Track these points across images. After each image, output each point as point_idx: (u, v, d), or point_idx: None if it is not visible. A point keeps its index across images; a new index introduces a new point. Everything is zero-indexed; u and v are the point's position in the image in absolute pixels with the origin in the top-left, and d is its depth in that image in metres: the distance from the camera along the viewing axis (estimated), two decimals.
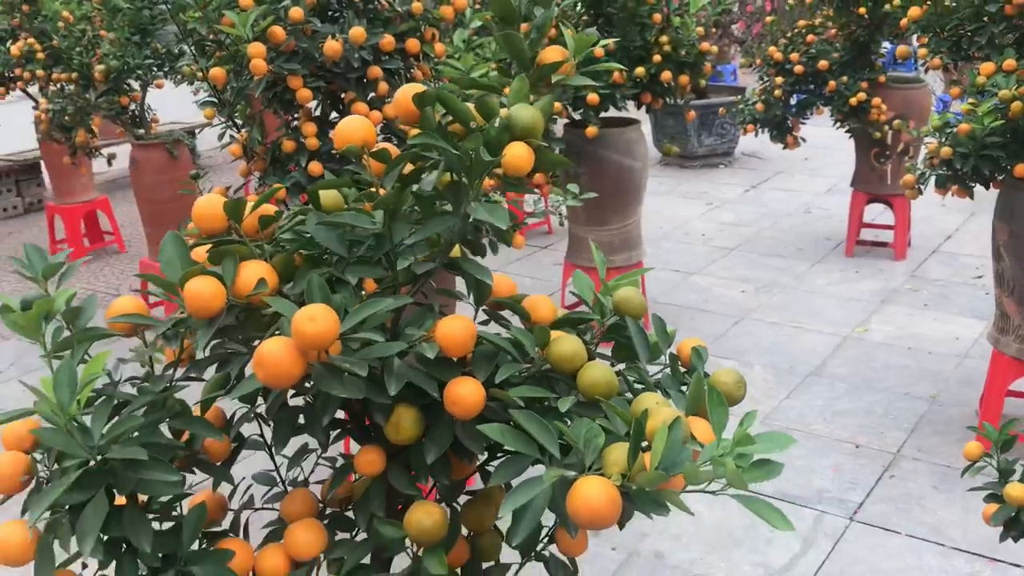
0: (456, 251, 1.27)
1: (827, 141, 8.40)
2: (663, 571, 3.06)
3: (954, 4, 3.50)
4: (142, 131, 4.93)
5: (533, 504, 0.92)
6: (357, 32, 2.61)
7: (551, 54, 1.13)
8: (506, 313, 1.27)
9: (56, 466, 1.05)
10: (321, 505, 1.26)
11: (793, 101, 5.56)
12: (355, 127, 1.09)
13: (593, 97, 4.16)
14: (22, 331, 1.04)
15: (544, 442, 0.96)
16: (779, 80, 5.40)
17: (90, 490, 1.00)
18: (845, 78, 5.30)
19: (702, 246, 6.20)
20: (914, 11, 3.55)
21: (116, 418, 1.00)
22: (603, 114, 4.49)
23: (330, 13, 2.94)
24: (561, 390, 1.09)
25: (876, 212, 6.18)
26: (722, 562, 3.09)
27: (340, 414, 1.25)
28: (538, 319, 1.22)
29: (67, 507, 1.03)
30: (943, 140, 3.26)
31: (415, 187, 1.12)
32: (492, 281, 1.14)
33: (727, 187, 7.55)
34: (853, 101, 5.25)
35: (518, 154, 1.04)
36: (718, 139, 8.01)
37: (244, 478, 1.32)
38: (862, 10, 5.18)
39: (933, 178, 3.41)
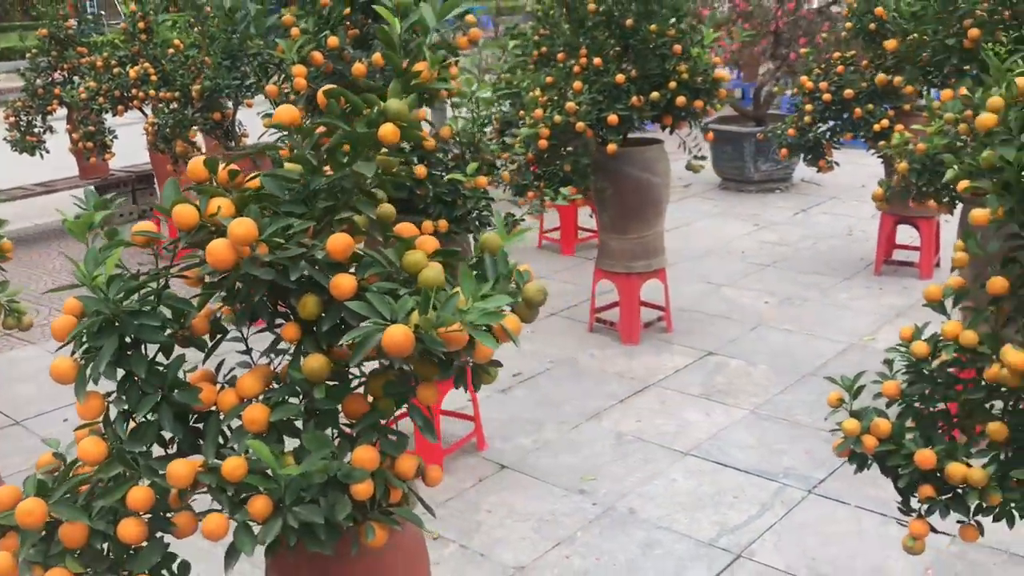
0: (387, 208, 1.84)
1: None
2: (632, 523, 3.53)
3: (926, 37, 3.90)
4: (232, 143, 5.70)
5: (366, 338, 1.47)
6: (376, 57, 3.23)
7: (418, 67, 1.69)
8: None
9: None
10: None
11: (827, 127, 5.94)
12: (284, 112, 1.68)
13: (612, 118, 4.69)
14: (75, 235, 1.65)
15: (381, 310, 1.50)
16: (808, 108, 5.80)
17: (107, 335, 1.60)
18: (871, 106, 5.66)
19: (740, 262, 6.61)
20: (890, 43, 3.96)
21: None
22: (631, 135, 5.04)
23: (368, 42, 3.57)
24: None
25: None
26: (685, 519, 3.54)
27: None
28: (423, 250, 1.77)
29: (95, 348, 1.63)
30: (902, 158, 3.66)
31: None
32: (375, 216, 1.70)
33: (778, 210, 7.92)
34: (877, 127, 5.60)
35: (388, 130, 1.60)
36: (774, 165, 8.37)
37: (224, 359, 1.91)
38: (889, 45, 5.53)
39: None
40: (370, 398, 1.77)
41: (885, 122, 5.60)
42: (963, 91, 3.56)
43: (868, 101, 5.70)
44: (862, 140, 5.86)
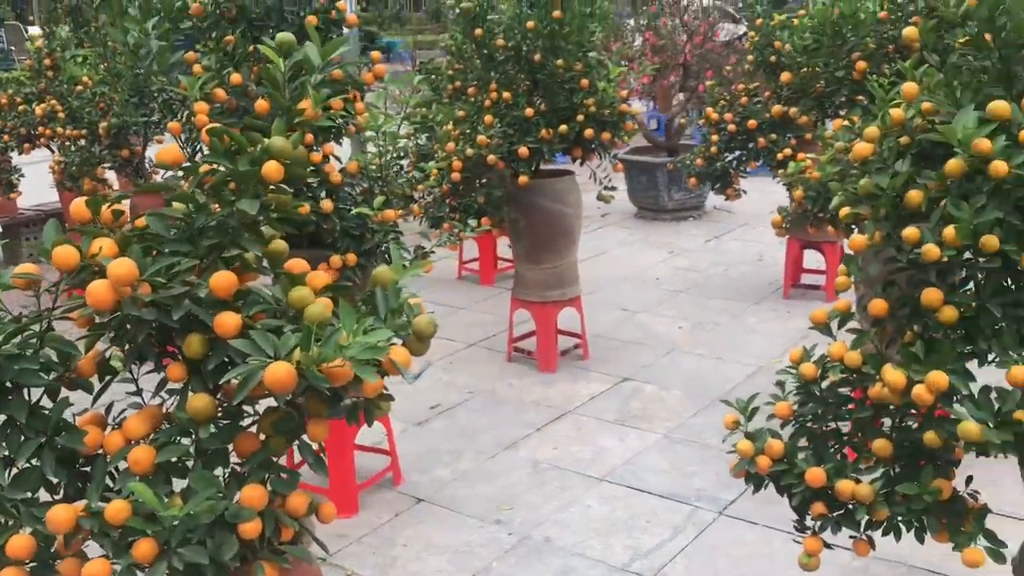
0: (279, 244, 1.85)
1: None
2: (548, 552, 3.55)
3: (819, 70, 4.06)
4: (142, 180, 5.61)
5: (248, 376, 1.47)
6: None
7: (302, 105, 1.71)
8: None
9: None
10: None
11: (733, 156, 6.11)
12: (168, 152, 1.68)
13: (523, 151, 4.76)
14: None
15: (264, 347, 1.51)
16: (715, 138, 5.96)
17: None
18: (774, 136, 5.83)
19: (655, 289, 6.73)
20: (785, 76, 4.12)
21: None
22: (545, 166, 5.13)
23: None
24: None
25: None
26: (600, 545, 3.57)
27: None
28: (313, 287, 1.78)
29: None
30: (798, 185, 3.80)
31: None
32: (261, 252, 1.70)
33: (691, 238, 8.10)
34: (780, 156, 5.78)
35: (271, 167, 1.61)
36: (687, 194, 8.56)
37: (114, 402, 1.88)
38: (784, 77, 5.72)
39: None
40: (262, 436, 1.77)
41: (788, 151, 5.76)
42: (845, 122, 3.72)
43: (771, 131, 5.88)
44: (768, 168, 6.05)
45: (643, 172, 8.58)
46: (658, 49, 8.61)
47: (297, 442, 1.74)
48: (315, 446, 1.74)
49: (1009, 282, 2.10)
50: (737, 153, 6.03)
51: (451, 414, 4.80)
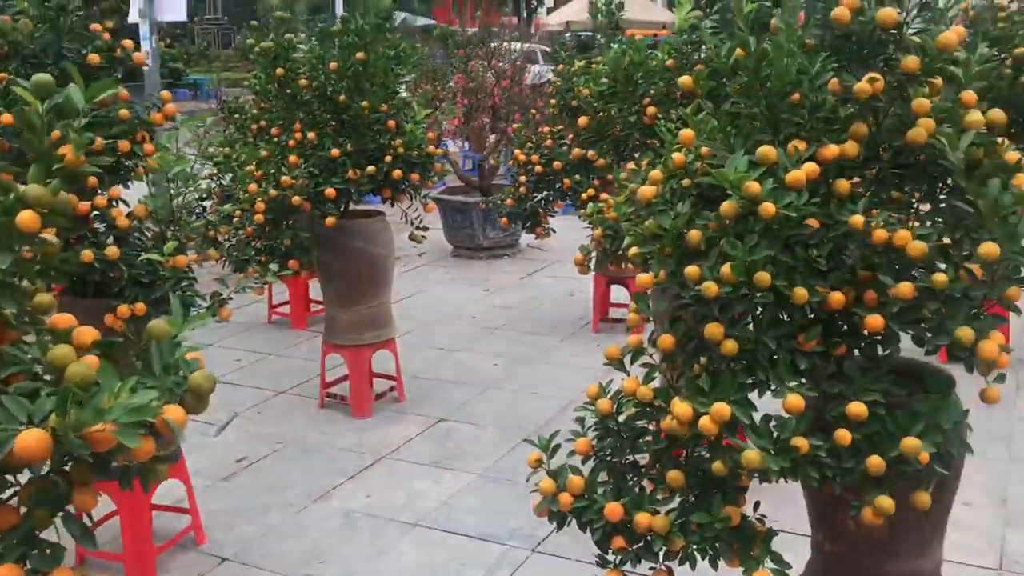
0: (43, 298, 1.71)
1: None
2: None
3: (613, 114, 4.23)
4: None
5: None
6: (56, 133, 3.03)
7: (62, 150, 1.60)
8: None
9: None
10: None
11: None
12: None
13: (330, 191, 4.69)
14: None
15: (16, 413, 1.39)
16: (523, 179, 6.09)
17: None
18: (578, 176, 6.01)
19: (470, 326, 6.77)
20: (582, 120, 4.26)
21: None
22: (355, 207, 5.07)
23: None
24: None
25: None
26: None
27: None
28: (80, 344, 1.66)
29: None
30: (598, 225, 3.92)
31: None
32: (19, 307, 1.58)
33: (506, 275, 8.23)
34: (584, 196, 5.96)
35: (26, 217, 1.50)
36: (501, 232, 8.71)
37: None
38: (582, 122, 5.90)
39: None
40: (23, 509, 1.62)
41: (591, 191, 5.96)
42: (631, 165, 3.89)
43: (575, 172, 6.06)
44: (575, 208, 6.23)
45: (458, 211, 8.67)
46: (468, 91, 8.76)
47: (62, 513, 1.60)
48: (84, 517, 1.60)
49: (784, 315, 2.23)
50: (545, 193, 6.18)
51: (259, 466, 4.62)
